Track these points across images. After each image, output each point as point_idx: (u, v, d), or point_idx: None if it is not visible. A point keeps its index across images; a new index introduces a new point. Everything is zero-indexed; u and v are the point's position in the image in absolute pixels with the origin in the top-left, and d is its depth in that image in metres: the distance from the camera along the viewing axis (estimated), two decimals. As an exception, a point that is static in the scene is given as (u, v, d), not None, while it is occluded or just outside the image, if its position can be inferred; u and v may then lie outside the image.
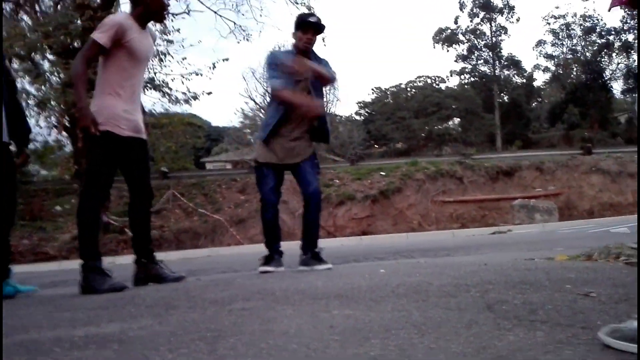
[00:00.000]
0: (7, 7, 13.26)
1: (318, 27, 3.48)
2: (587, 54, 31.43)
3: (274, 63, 3.48)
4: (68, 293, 3.01)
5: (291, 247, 3.71)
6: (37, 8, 13.07)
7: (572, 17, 32.20)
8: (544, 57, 32.96)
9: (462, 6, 33.47)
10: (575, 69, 31.97)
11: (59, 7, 12.57)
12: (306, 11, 11.92)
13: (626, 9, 2.92)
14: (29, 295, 2.99)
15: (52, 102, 11.39)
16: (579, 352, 1.11)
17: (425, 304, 1.76)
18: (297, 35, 3.46)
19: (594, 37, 31.19)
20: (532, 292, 1.88)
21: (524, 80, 33.92)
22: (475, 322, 1.47)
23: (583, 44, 31.92)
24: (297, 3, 12.07)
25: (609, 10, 3.05)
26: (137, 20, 3.05)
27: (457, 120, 32.06)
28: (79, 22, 10.20)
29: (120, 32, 2.91)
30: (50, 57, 11.72)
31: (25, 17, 13.13)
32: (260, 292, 2.21)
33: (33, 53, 11.76)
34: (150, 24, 3.21)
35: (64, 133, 12.65)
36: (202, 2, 12.63)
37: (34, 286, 2.89)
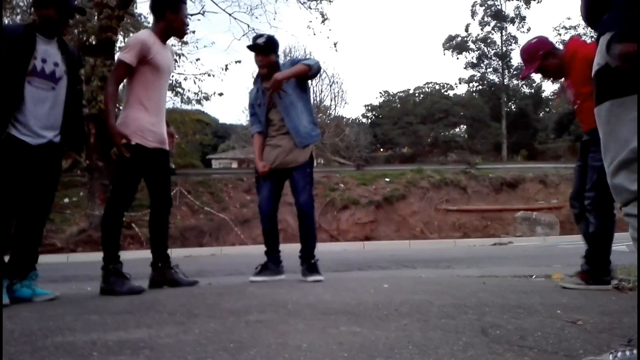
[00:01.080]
0: (25, 1, 13.49)
1: (256, 48, 3.61)
2: (597, 66, 31.43)
3: (250, 104, 3.81)
4: (89, 294, 3.19)
5: (296, 250, 3.78)
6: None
7: (584, 28, 32.24)
8: (553, 67, 32.98)
9: (473, 14, 33.60)
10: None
11: (76, 4, 12.78)
12: (319, 17, 12.10)
13: (538, 76, 3.20)
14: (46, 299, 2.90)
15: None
16: (560, 381, 1.28)
17: (426, 325, 1.92)
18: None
19: (604, 49, 31.19)
20: (526, 316, 2.04)
21: (532, 90, 33.99)
22: (471, 345, 1.63)
23: (593, 56, 31.92)
24: (309, 8, 12.22)
25: (522, 79, 3.38)
26: (159, 36, 3.25)
27: (463, 127, 32.16)
28: (96, 19, 10.38)
29: (144, 50, 3.10)
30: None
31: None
32: (273, 304, 2.38)
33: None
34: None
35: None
36: (216, 4, 12.83)
37: (51, 291, 3.02)
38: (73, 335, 1.87)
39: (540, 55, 3.08)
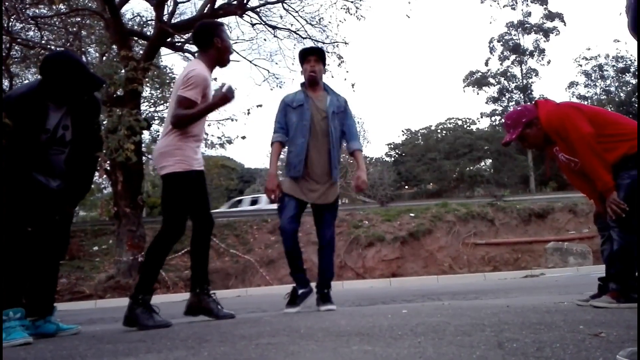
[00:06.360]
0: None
1: (314, 52, 3.70)
2: (621, 94, 31.07)
3: (281, 109, 3.75)
4: (109, 329, 3.19)
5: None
6: (84, 59, 13.98)
7: (605, 58, 32.14)
8: (577, 98, 32.71)
9: (492, 50, 33.82)
10: (610, 109, 31.59)
11: (104, 58, 13.40)
12: (337, 60, 12.35)
13: (519, 144, 3.23)
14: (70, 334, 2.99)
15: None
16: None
17: (441, 342, 1.86)
18: (303, 69, 3.72)
19: (627, 77, 30.89)
20: (545, 332, 1.95)
21: (557, 121, 33.55)
22: (485, 358, 1.56)
23: (617, 84, 31.63)
24: (327, 51, 12.47)
25: (503, 145, 3.38)
26: (209, 66, 3.22)
27: (489, 161, 31.83)
28: (122, 72, 10.83)
29: (206, 85, 3.10)
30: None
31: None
32: (286, 329, 2.34)
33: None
34: None
35: (104, 176, 13.22)
36: (238, 53, 13.23)
37: (75, 325, 3.05)
38: (84, 362, 1.88)
39: (523, 122, 3.08)
